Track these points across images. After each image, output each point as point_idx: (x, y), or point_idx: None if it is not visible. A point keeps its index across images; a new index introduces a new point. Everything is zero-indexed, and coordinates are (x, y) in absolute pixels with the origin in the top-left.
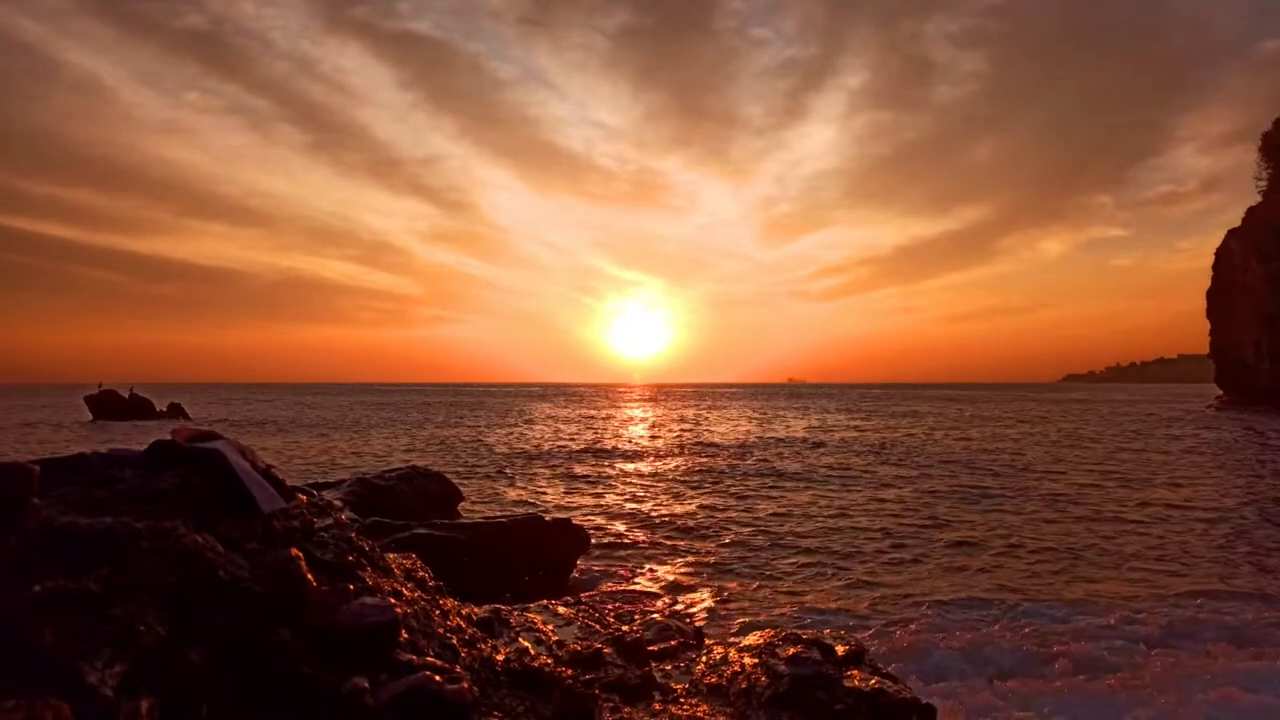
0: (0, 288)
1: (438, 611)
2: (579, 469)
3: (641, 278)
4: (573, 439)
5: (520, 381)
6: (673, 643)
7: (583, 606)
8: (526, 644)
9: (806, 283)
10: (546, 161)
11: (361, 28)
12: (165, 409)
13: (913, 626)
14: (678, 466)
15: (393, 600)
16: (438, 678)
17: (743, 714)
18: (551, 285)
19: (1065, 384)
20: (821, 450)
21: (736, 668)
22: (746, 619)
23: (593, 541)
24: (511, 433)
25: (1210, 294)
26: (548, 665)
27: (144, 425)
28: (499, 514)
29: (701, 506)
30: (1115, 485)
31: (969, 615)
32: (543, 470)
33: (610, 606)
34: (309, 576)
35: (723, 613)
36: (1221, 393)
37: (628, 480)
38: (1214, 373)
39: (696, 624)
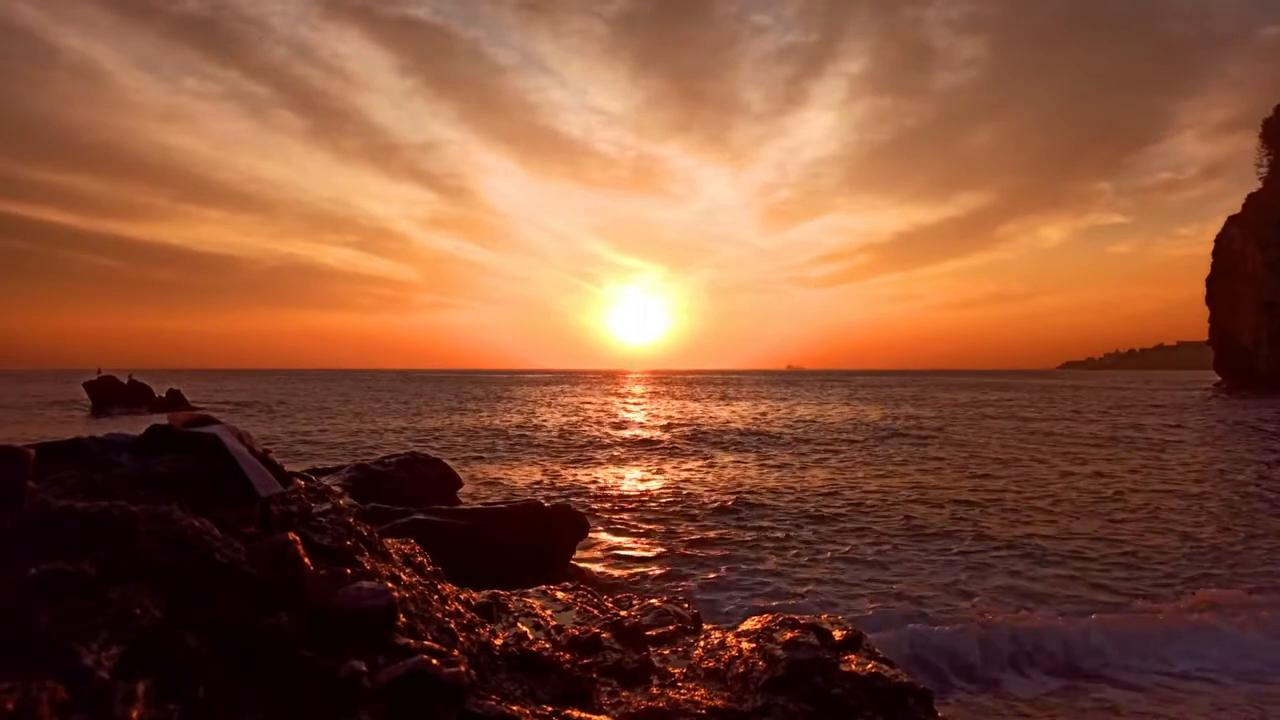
0: None
1: (436, 596)
2: (578, 455)
3: (641, 264)
4: (572, 425)
5: (519, 368)
6: (670, 628)
7: (581, 591)
8: (525, 629)
9: (806, 269)
10: (546, 147)
11: (360, 12)
12: (164, 395)
13: (912, 612)
14: (677, 453)
15: (390, 585)
16: (435, 661)
17: (740, 698)
18: (551, 271)
19: (1064, 370)
20: (823, 436)
21: (734, 652)
22: (745, 604)
23: (591, 527)
24: (511, 419)
25: (1210, 280)
26: (546, 650)
27: (142, 411)
28: (498, 500)
29: (701, 492)
30: (1110, 471)
31: (968, 602)
32: (542, 456)
33: (608, 592)
34: (306, 561)
35: (721, 598)
36: (1220, 379)
37: (627, 466)
38: (1213, 359)
39: (694, 609)
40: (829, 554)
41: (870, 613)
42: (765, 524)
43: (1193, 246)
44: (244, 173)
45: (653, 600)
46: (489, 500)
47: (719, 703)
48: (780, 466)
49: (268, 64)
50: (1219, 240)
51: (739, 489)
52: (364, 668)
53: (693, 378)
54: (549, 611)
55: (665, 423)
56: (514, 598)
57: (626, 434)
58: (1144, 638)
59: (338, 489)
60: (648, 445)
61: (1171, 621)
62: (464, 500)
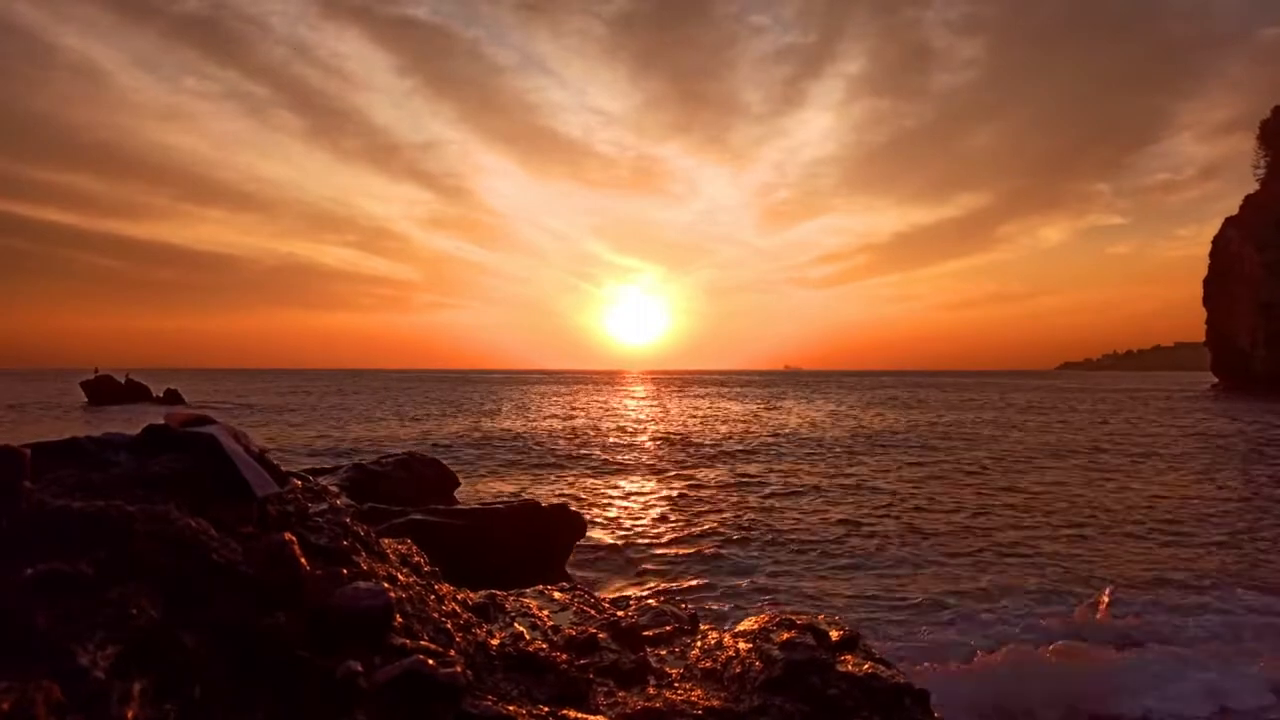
0: None
1: (433, 596)
2: (576, 455)
3: (640, 264)
4: (570, 426)
5: (518, 368)
6: (668, 628)
7: (578, 592)
8: (522, 629)
9: (805, 269)
10: (545, 147)
11: (359, 12)
12: (162, 394)
13: (908, 613)
14: (675, 454)
15: (387, 585)
16: (431, 661)
17: (737, 698)
18: (550, 271)
19: (1063, 371)
20: (819, 438)
21: (731, 652)
22: (742, 604)
23: (589, 528)
24: (509, 419)
25: (1207, 282)
26: (543, 650)
27: (140, 410)
28: (495, 500)
29: (698, 493)
30: (1107, 475)
31: (963, 606)
32: (540, 457)
33: (606, 592)
34: (303, 561)
35: (718, 598)
36: (1217, 380)
37: (624, 467)
38: (1210, 360)
39: (692, 609)
40: (827, 557)
41: (868, 614)
42: (763, 526)
43: (1191, 247)
44: (243, 172)
45: (649, 600)
46: (486, 500)
47: (716, 703)
48: (778, 469)
49: (267, 63)
50: (1216, 242)
51: (736, 491)
52: (360, 668)
53: (691, 378)
54: (546, 612)
55: (663, 424)
56: (511, 598)
57: (624, 436)
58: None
59: (335, 489)
60: (645, 447)
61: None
62: (461, 500)
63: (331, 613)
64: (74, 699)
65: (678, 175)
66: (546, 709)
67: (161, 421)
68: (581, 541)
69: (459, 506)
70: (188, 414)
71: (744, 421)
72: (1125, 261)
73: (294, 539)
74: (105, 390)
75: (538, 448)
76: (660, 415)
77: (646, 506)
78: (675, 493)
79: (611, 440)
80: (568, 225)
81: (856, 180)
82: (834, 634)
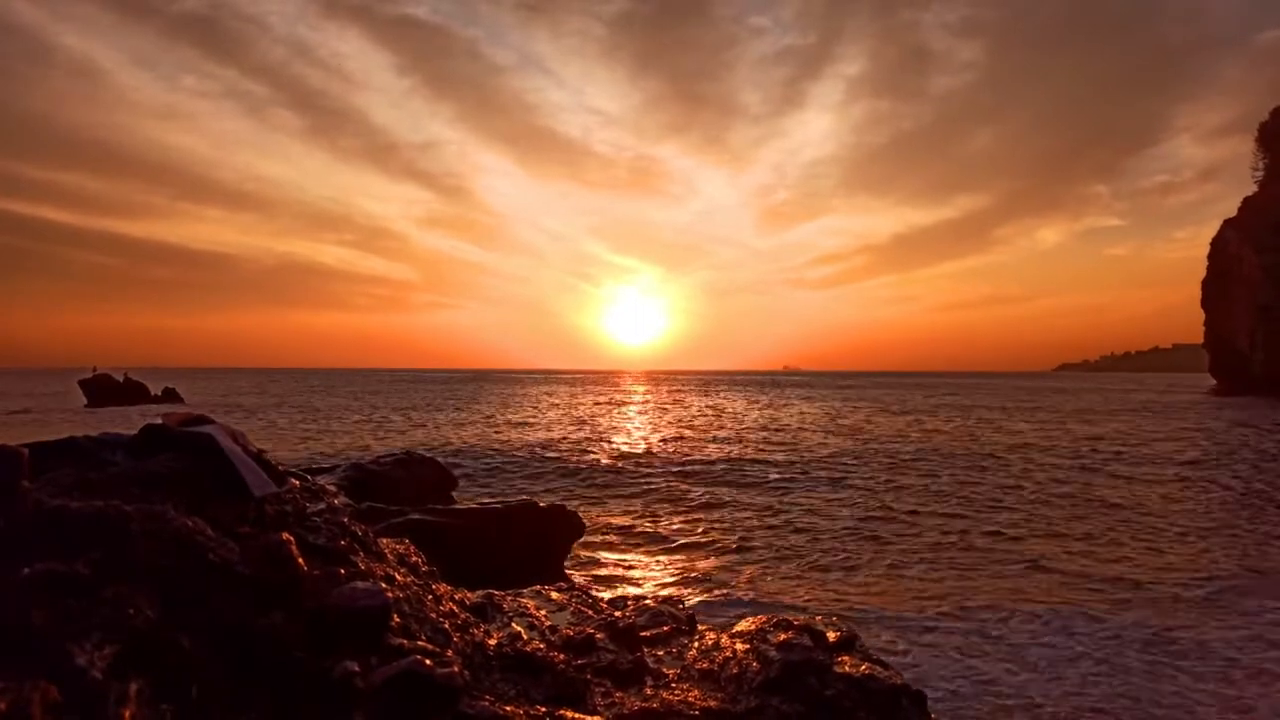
0: None
1: (430, 596)
2: (574, 456)
3: (638, 264)
4: (568, 426)
5: (517, 368)
6: (665, 628)
7: (576, 592)
8: (519, 629)
9: (803, 270)
10: (544, 147)
11: (359, 12)
12: (160, 393)
13: (906, 616)
14: (673, 455)
15: (385, 585)
16: (429, 662)
17: (734, 699)
18: (548, 271)
19: (1060, 373)
20: (817, 440)
21: (728, 653)
22: (740, 605)
23: (587, 528)
24: (507, 419)
25: (1206, 284)
26: (540, 650)
27: (138, 409)
28: (494, 500)
29: (696, 495)
30: (1104, 478)
31: (964, 611)
32: (538, 457)
33: (603, 592)
34: (300, 560)
35: (716, 599)
36: (1215, 382)
37: (622, 468)
38: (1208, 362)
39: (689, 610)
40: (827, 559)
41: (865, 615)
42: (762, 528)
43: (1189, 249)
44: (242, 171)
45: (647, 601)
46: (484, 501)
47: (713, 704)
48: (779, 472)
49: (266, 63)
50: (1214, 244)
51: (736, 493)
52: (357, 668)
53: (690, 378)
54: (543, 612)
55: (661, 426)
56: (508, 598)
57: (622, 436)
58: None
59: (333, 488)
60: (644, 449)
61: None
62: (459, 500)
63: (329, 612)
64: (71, 699)
65: (676, 176)
66: (544, 709)
67: (159, 421)
68: (580, 542)
69: (456, 506)
70: (185, 413)
71: (743, 423)
72: (1123, 263)
73: (291, 539)
74: (103, 389)
75: (537, 448)
76: (659, 417)
77: (645, 506)
78: (674, 494)
79: (610, 441)
80: (566, 225)
81: (855, 182)
82: (831, 635)
